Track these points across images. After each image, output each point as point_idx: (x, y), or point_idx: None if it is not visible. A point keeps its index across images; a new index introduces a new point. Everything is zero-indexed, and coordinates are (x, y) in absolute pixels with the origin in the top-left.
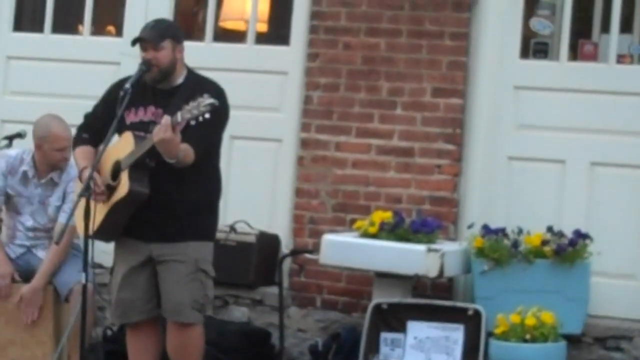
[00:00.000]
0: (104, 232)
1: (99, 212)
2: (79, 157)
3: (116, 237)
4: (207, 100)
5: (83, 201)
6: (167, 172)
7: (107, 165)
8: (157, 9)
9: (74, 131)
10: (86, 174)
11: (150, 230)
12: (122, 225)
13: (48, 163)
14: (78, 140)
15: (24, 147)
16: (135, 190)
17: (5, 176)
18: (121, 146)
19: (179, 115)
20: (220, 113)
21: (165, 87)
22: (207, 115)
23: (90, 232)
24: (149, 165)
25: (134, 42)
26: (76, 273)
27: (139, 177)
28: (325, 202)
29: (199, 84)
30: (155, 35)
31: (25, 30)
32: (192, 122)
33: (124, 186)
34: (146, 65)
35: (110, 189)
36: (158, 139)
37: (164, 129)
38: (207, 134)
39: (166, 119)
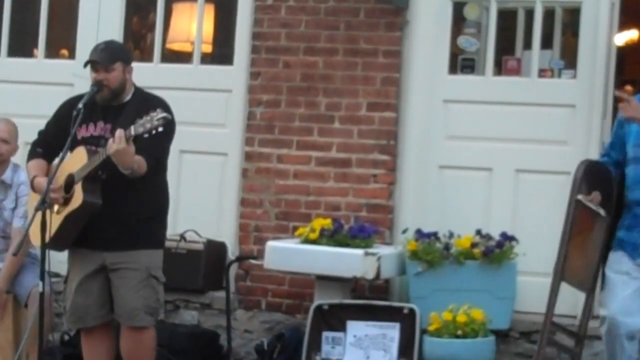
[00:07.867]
0: (57, 242)
1: (54, 223)
2: (31, 168)
3: (68, 246)
4: (159, 114)
5: (39, 213)
6: (119, 184)
7: (61, 179)
8: (108, 32)
9: (26, 148)
10: (37, 182)
11: (103, 240)
12: (74, 235)
13: None
14: (32, 154)
15: None
16: (88, 201)
17: None
18: (74, 160)
19: (132, 129)
20: (170, 126)
21: (113, 103)
22: (159, 129)
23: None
24: (101, 177)
25: (86, 64)
26: (34, 279)
27: (92, 188)
28: (269, 211)
29: (145, 100)
30: (106, 57)
31: None
32: (145, 135)
33: (77, 197)
34: (97, 86)
35: (64, 201)
36: (113, 150)
37: (118, 141)
38: (159, 146)
39: (120, 132)
